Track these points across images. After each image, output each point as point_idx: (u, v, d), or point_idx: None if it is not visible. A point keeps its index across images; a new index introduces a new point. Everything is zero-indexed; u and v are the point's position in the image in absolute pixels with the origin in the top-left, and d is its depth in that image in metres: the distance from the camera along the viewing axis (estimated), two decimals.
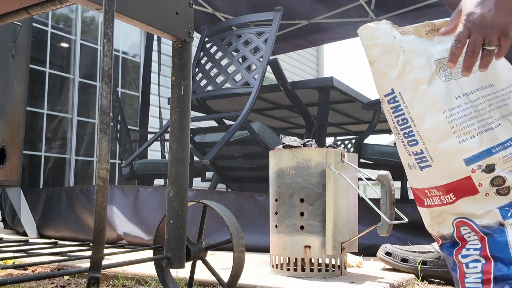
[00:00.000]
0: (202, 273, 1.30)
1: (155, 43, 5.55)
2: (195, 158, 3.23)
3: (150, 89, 4.87)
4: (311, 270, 1.39)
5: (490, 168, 1.09)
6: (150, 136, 4.45)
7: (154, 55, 5.48)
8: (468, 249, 1.15)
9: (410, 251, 1.53)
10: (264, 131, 2.59)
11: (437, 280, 1.50)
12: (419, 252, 1.51)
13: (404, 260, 1.52)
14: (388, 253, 1.56)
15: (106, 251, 0.74)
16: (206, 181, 3.69)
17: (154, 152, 5.69)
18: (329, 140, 5.06)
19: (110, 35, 0.73)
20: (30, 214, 2.66)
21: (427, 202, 1.20)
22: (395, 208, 1.31)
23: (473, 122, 1.11)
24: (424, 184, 1.18)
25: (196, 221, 1.22)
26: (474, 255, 1.13)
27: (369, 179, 1.52)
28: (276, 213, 1.45)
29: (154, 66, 5.59)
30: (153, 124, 5.74)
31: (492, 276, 1.09)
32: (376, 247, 1.64)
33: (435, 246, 1.52)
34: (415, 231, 2.02)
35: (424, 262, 1.48)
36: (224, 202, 2.27)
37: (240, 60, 2.73)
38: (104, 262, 0.76)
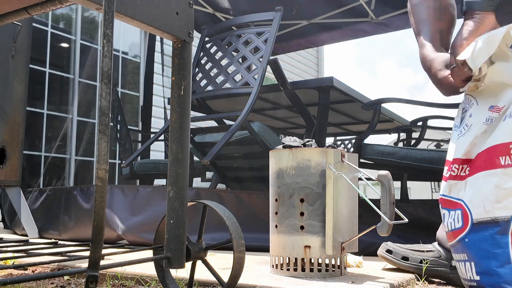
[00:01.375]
0: (202, 273, 1.30)
1: (157, 44, 5.55)
2: (195, 158, 3.23)
3: (153, 89, 4.87)
4: (311, 270, 1.39)
5: None
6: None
7: (156, 56, 5.48)
8: None
9: (411, 250, 1.53)
10: (264, 131, 2.59)
11: (437, 280, 1.50)
12: (420, 250, 1.52)
13: (405, 258, 1.52)
14: (389, 251, 1.56)
15: (106, 251, 0.74)
16: (206, 181, 3.69)
17: (156, 152, 5.69)
18: (329, 140, 5.06)
19: (110, 35, 0.72)
20: (30, 214, 2.66)
21: (504, 161, 1.09)
22: (395, 208, 1.31)
23: None
24: None
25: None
26: None
27: (369, 179, 1.52)
28: (276, 213, 1.45)
29: (156, 67, 5.59)
30: (158, 125, 5.74)
31: None
32: (376, 247, 1.65)
33: (435, 245, 1.52)
34: (415, 231, 2.02)
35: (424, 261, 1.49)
36: (223, 200, 2.27)
37: (240, 60, 2.73)
38: (104, 262, 0.76)
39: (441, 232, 1.51)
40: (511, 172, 1.08)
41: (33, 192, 2.88)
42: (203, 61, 2.85)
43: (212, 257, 1.79)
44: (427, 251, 1.51)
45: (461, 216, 1.17)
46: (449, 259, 1.46)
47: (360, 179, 1.50)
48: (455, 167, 1.20)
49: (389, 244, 1.59)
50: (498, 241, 1.09)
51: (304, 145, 1.47)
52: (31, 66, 3.60)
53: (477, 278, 1.14)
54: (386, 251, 1.57)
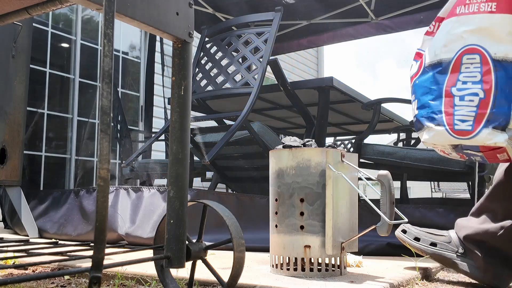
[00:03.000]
0: (202, 273, 1.30)
1: (157, 44, 5.56)
2: (195, 158, 3.23)
3: (154, 90, 4.88)
4: (311, 270, 1.40)
5: None
6: None
7: (157, 56, 5.48)
8: (465, 83, 1.17)
9: (425, 232, 1.58)
10: (264, 131, 2.59)
11: (436, 279, 1.50)
12: (433, 234, 1.56)
13: (417, 239, 1.57)
14: (403, 231, 1.62)
15: (106, 250, 0.74)
16: (206, 181, 3.69)
17: (157, 153, 5.69)
18: (329, 140, 5.06)
19: (111, 35, 0.73)
20: (30, 214, 2.66)
21: (459, 10, 1.20)
22: (395, 208, 1.31)
23: None
24: None
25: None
26: (474, 88, 1.14)
27: (369, 179, 1.53)
28: (276, 213, 1.46)
29: (156, 67, 5.59)
30: (159, 125, 5.74)
31: (488, 111, 1.12)
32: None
33: (450, 232, 1.55)
34: None
35: (434, 244, 1.52)
36: (225, 203, 2.28)
37: (240, 60, 2.73)
38: (105, 262, 0.76)
39: (461, 221, 1.55)
40: (463, 20, 1.20)
41: (33, 193, 2.89)
42: (203, 61, 2.85)
43: (212, 256, 1.79)
44: (439, 235, 1.56)
45: (418, 63, 1.33)
46: (458, 246, 1.50)
47: (360, 179, 1.50)
48: (432, 25, 1.34)
49: (407, 225, 1.65)
50: (436, 79, 1.24)
51: (304, 145, 1.47)
52: (31, 66, 3.60)
53: (416, 112, 1.31)
54: (401, 231, 1.64)
